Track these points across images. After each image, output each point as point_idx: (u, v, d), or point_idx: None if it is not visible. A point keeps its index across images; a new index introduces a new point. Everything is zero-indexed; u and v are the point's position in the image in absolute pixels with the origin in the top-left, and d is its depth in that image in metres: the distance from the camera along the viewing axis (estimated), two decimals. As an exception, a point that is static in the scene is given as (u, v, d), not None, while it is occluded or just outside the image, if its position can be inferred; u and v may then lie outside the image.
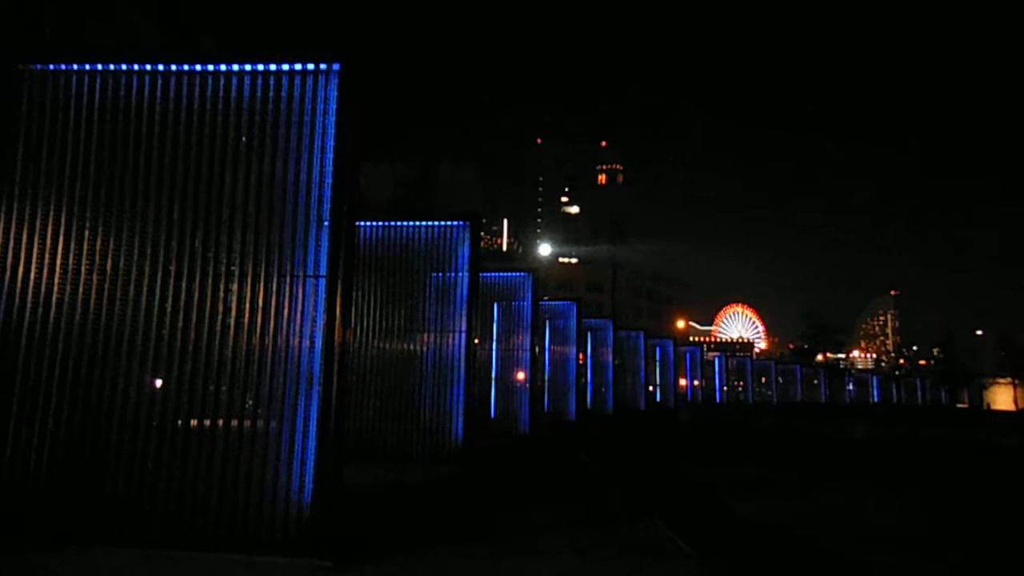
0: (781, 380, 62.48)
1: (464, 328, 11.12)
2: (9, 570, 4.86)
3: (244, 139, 5.78)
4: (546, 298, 24.31)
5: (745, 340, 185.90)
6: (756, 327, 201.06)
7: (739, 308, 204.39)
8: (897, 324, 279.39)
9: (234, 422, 5.46)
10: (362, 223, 11.21)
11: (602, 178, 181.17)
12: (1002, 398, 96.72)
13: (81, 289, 5.71)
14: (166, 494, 5.35)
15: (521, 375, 17.15)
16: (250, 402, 5.48)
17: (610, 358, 27.96)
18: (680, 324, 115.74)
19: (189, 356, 5.56)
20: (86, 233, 5.78)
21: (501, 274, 17.62)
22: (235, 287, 5.62)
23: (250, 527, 5.24)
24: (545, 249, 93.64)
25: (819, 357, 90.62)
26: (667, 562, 5.68)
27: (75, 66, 5.93)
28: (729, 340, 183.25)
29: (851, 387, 74.55)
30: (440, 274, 11.32)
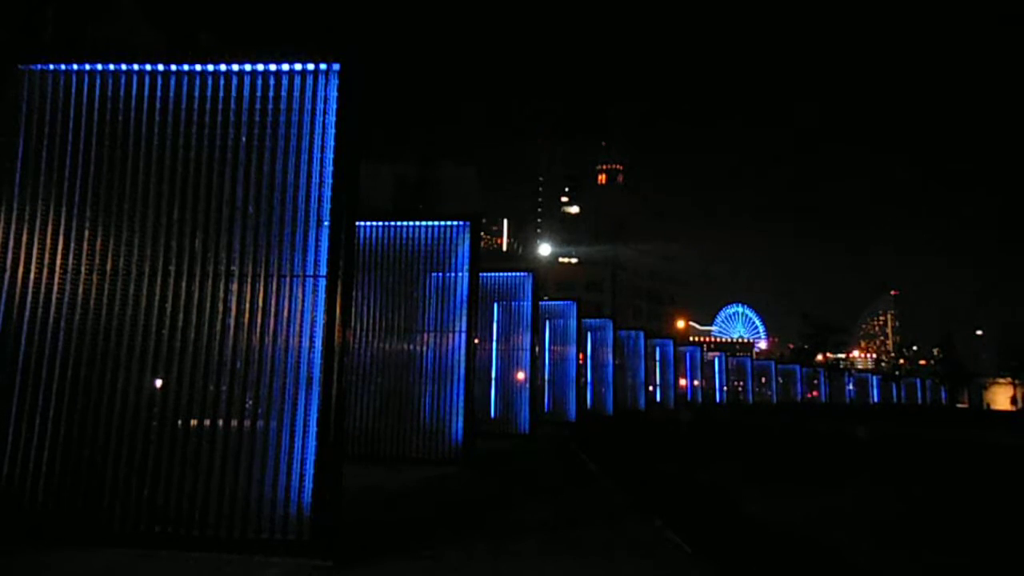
0: (781, 380, 62.63)
1: (464, 328, 11.11)
2: (9, 570, 4.86)
3: (244, 139, 5.78)
4: (546, 298, 24.30)
5: (745, 340, 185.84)
6: (756, 327, 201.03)
7: (739, 308, 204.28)
8: (897, 324, 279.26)
9: (234, 422, 5.46)
10: (362, 223, 11.20)
11: (602, 178, 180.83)
12: (1002, 398, 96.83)
13: (81, 289, 5.71)
14: (166, 494, 5.35)
15: (521, 375, 17.14)
16: (250, 402, 5.47)
17: (610, 358, 27.93)
18: (680, 324, 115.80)
19: (189, 356, 5.56)
20: (86, 233, 5.78)
21: (501, 274, 17.58)
22: (235, 287, 5.61)
23: (250, 527, 5.24)
24: (545, 249, 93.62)
25: (819, 357, 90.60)
26: (668, 561, 5.67)
27: (75, 66, 5.92)
28: (729, 340, 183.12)
29: (851, 387, 74.67)
30: (440, 274, 11.31)
